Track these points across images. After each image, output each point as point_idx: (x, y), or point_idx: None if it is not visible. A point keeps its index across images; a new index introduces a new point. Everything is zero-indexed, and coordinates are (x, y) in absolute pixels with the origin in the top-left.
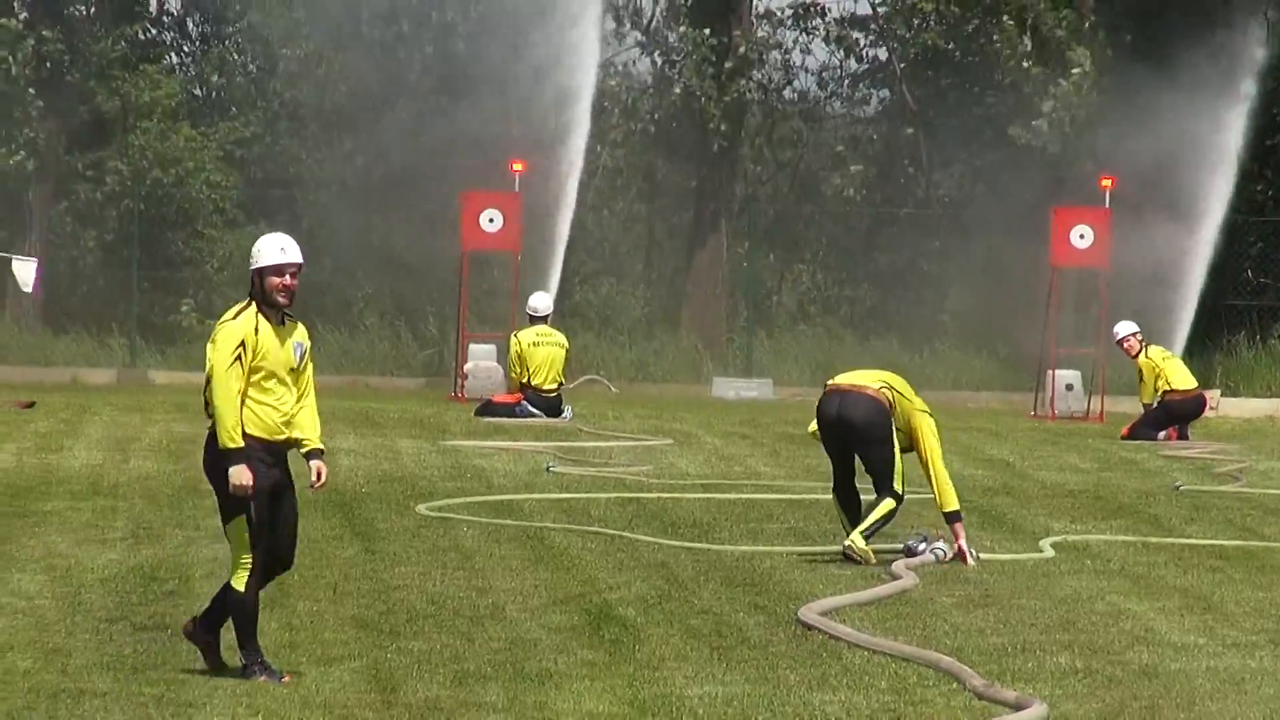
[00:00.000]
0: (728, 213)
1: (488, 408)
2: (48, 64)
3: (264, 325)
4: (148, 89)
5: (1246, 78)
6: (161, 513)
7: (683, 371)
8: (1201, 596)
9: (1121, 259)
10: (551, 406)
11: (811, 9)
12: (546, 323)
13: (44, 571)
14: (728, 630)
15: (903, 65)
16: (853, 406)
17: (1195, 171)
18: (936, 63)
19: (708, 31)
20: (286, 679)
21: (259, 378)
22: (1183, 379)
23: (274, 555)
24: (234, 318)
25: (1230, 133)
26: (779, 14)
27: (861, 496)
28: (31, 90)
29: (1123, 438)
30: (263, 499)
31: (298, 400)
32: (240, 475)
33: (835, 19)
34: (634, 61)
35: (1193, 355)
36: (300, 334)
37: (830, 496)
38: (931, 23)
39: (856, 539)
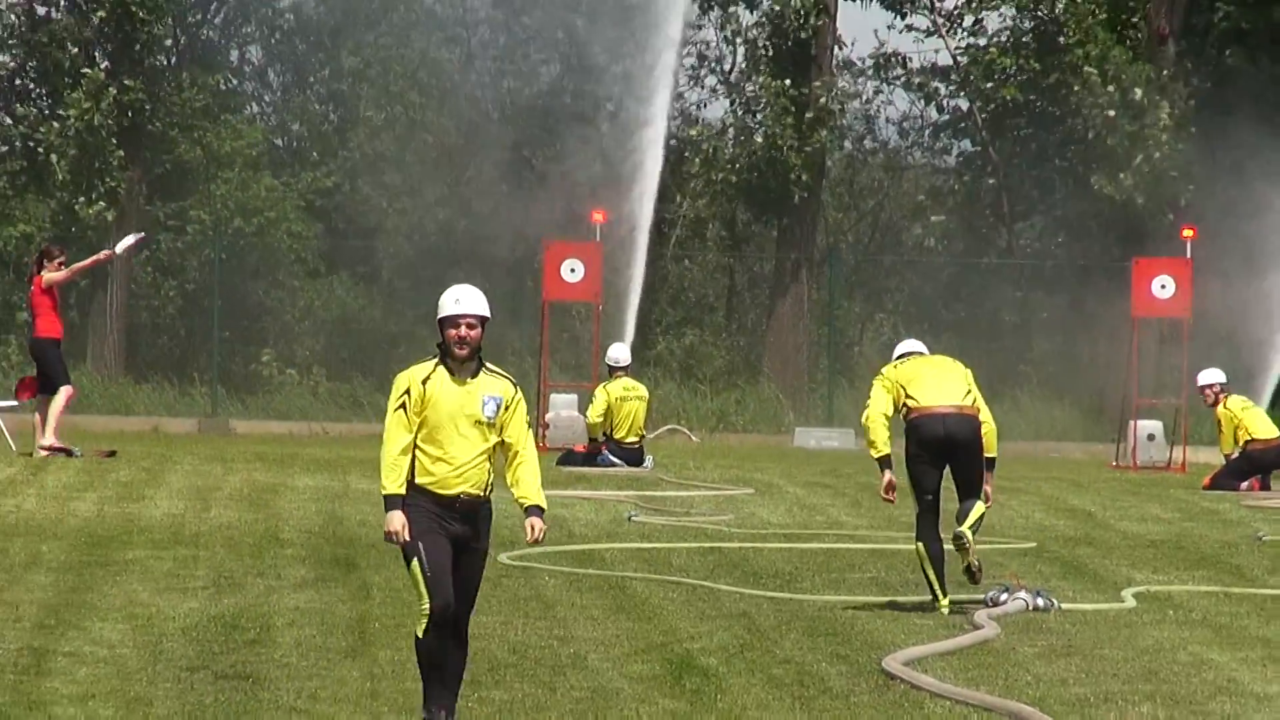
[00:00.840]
0: (809, 262)
1: (569, 457)
2: (129, 114)
3: (439, 375)
4: (229, 139)
5: None
6: (243, 562)
7: (764, 421)
8: None
9: (1206, 308)
10: (633, 457)
11: (893, 59)
12: (627, 373)
13: (125, 620)
14: (810, 680)
15: (984, 116)
16: (957, 425)
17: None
18: (1017, 113)
19: (788, 82)
20: None
21: (429, 429)
22: (1264, 428)
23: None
24: (413, 367)
25: None
26: (860, 63)
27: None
28: (113, 140)
29: (1204, 488)
30: (437, 545)
31: (513, 457)
32: (391, 521)
33: (916, 68)
34: (706, 105)
35: (1278, 405)
36: (498, 387)
37: (915, 545)
38: (1012, 76)
39: (966, 531)
